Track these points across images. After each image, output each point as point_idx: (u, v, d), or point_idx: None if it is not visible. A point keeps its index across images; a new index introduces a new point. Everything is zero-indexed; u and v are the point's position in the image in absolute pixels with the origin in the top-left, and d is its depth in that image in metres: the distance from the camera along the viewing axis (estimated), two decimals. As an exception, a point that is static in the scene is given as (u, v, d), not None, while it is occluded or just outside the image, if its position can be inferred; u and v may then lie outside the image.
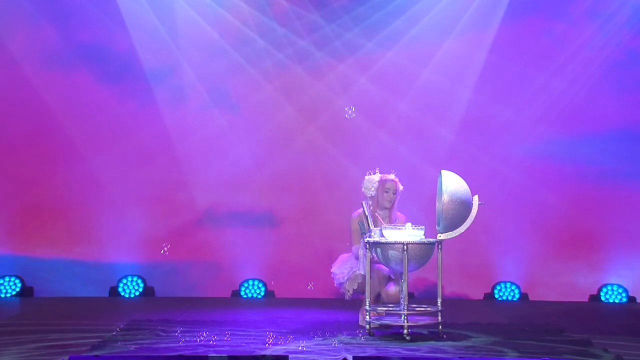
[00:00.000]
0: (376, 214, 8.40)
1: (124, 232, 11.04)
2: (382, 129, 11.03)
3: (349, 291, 8.45)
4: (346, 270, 8.45)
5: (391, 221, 8.50)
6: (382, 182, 8.55)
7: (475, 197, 7.83)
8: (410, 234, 7.84)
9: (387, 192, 8.55)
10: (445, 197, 7.73)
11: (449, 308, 8.76)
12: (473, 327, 8.49)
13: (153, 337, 7.59)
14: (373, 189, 8.57)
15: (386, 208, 8.56)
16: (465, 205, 7.77)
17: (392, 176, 8.59)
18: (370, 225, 8.07)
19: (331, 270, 8.58)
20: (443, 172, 7.84)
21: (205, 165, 11.13)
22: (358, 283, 8.35)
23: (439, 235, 7.84)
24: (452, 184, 7.77)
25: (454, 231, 7.83)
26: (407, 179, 8.72)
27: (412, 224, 7.95)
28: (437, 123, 11.03)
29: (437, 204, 7.86)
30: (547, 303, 10.75)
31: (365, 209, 8.16)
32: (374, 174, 8.61)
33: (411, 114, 10.98)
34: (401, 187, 8.59)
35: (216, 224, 11.12)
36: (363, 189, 8.62)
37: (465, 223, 7.82)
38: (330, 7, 11.19)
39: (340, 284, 8.49)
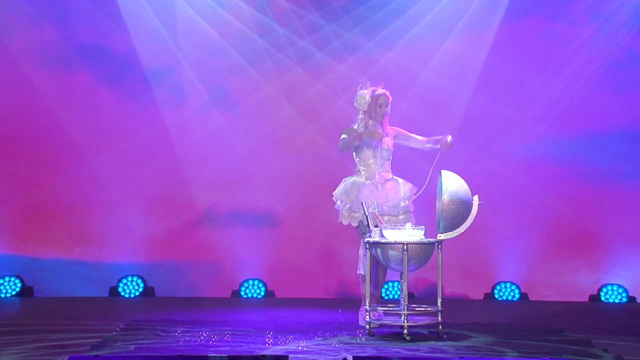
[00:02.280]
0: (376, 213, 8.40)
1: (124, 232, 11.03)
2: (382, 129, 11.00)
3: (343, 219, 8.59)
4: (347, 205, 8.55)
5: (384, 131, 8.62)
6: (374, 97, 8.66)
7: (475, 197, 7.84)
8: (410, 234, 7.84)
9: (380, 107, 8.69)
10: (445, 197, 7.73)
11: (449, 308, 8.77)
12: (473, 327, 8.49)
13: (153, 337, 7.59)
14: (365, 104, 8.66)
15: (379, 121, 8.66)
16: (466, 205, 7.77)
17: (382, 90, 8.71)
18: (370, 225, 8.07)
19: (334, 193, 8.70)
20: (443, 172, 7.85)
21: (206, 165, 11.14)
22: (359, 222, 8.41)
23: (439, 235, 7.85)
24: (452, 183, 7.78)
25: (454, 231, 7.83)
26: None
27: (412, 224, 7.97)
28: (437, 123, 11.02)
29: (437, 204, 7.87)
30: (547, 303, 10.74)
31: (365, 209, 8.16)
32: (365, 88, 8.70)
33: (411, 113, 10.97)
34: (390, 98, 8.73)
35: (216, 224, 11.12)
36: (355, 104, 8.73)
37: (465, 223, 7.82)
38: (330, 7, 11.18)
39: (339, 210, 8.64)
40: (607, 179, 11.07)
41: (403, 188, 8.62)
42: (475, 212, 7.84)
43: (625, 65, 11.04)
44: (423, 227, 7.92)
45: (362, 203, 8.27)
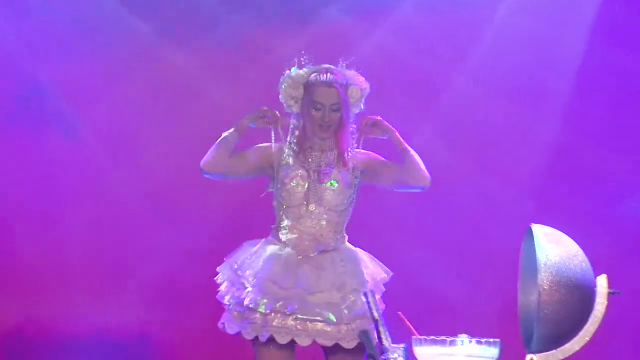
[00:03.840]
0: (401, 315, 4.31)
1: None
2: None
3: (229, 322, 4.75)
4: (239, 294, 4.68)
5: (343, 156, 4.76)
6: (309, 85, 4.69)
7: (602, 279, 3.92)
8: (469, 352, 3.86)
9: (317, 109, 4.68)
10: (544, 279, 3.81)
11: None
12: None
13: None
14: (291, 98, 4.76)
15: (322, 147, 4.79)
16: (583, 294, 3.83)
17: (327, 68, 4.76)
18: (383, 335, 4.01)
19: (218, 268, 4.86)
20: (535, 227, 3.94)
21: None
22: (360, 333, 4.14)
23: (529, 357, 3.87)
24: (555, 251, 3.87)
25: (562, 349, 3.86)
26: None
27: (469, 335, 3.90)
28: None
29: (522, 293, 3.97)
30: None
31: (372, 300, 4.12)
32: (302, 67, 4.84)
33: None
34: (364, 87, 4.79)
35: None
36: (281, 98, 4.86)
37: (583, 330, 3.86)
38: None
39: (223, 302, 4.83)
40: None
41: (361, 273, 4.80)
42: (604, 307, 3.90)
43: None
44: (497, 340, 3.92)
45: (367, 294, 4.17)
